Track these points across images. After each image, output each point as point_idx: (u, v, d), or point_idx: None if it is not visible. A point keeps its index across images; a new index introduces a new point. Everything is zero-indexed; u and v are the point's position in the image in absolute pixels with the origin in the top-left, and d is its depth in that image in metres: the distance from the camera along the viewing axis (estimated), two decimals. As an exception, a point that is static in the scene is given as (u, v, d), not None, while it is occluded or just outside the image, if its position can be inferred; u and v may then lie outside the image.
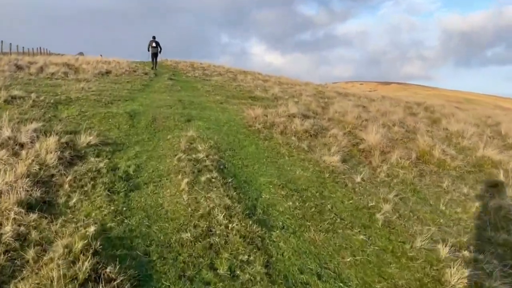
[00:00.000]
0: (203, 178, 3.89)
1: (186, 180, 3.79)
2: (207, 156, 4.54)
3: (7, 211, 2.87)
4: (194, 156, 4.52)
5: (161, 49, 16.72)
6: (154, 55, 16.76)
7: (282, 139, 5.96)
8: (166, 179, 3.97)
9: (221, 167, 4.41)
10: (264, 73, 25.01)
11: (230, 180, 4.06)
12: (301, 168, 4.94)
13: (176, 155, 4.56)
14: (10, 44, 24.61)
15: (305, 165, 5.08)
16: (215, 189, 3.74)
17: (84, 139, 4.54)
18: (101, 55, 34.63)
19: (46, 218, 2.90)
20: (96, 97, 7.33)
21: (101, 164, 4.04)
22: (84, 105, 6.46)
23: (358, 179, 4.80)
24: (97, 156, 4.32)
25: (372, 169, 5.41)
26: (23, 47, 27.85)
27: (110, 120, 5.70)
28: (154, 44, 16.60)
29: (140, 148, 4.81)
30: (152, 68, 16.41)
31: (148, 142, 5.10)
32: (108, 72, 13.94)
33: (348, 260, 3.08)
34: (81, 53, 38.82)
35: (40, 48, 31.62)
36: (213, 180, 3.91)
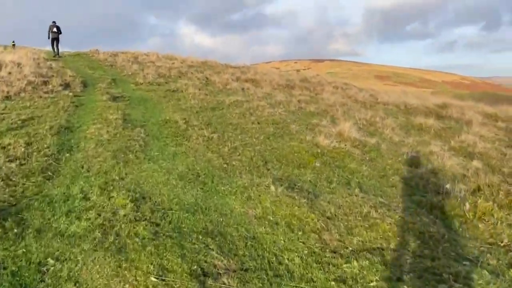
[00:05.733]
0: None
1: None
2: None
3: None
4: None
5: (60, 33, 16.67)
6: (55, 40, 16.44)
7: None
8: None
9: None
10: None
11: None
12: None
13: None
14: None
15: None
16: None
17: None
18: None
19: None
20: None
21: None
22: None
23: None
24: None
25: None
26: None
27: None
28: (55, 29, 16.27)
29: None
30: (54, 56, 15.88)
31: None
32: (-11, 89, 8.46)
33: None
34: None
35: None
36: None
